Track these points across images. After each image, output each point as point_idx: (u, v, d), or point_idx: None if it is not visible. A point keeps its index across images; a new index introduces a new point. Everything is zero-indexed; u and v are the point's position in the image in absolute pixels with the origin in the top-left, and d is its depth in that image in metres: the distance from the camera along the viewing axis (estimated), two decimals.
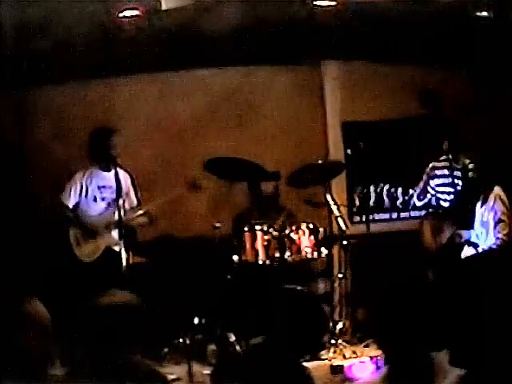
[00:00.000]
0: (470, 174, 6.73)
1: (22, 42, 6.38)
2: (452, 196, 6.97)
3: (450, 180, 6.99)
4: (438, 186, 7.13)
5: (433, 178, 7.14)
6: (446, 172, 7.06)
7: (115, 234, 6.62)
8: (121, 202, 6.59)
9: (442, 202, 7.05)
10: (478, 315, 2.85)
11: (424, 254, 6.89)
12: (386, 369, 2.93)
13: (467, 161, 6.79)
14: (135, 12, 6.38)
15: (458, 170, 6.93)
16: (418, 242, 7.10)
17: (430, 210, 7.25)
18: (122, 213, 6.56)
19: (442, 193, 7.04)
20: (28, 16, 5.96)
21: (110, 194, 6.73)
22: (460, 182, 6.91)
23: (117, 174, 6.62)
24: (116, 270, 6.43)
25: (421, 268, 6.64)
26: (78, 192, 6.75)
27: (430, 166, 7.18)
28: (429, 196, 7.21)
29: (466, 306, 2.91)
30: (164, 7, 6.28)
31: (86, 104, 7.95)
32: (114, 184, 6.63)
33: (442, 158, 7.11)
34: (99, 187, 6.78)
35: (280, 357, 3.04)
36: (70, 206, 6.74)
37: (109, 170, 6.75)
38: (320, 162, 7.08)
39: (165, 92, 8.19)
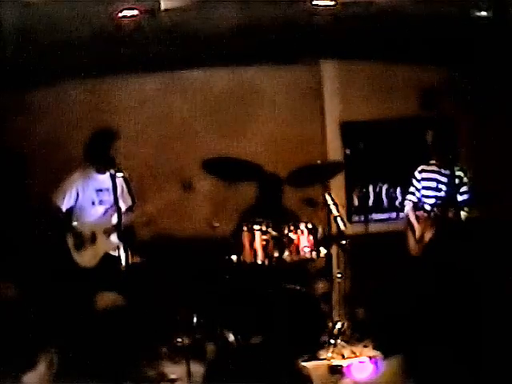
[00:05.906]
0: (456, 180, 6.75)
1: (22, 43, 6.39)
2: (436, 199, 6.93)
3: (435, 184, 6.95)
4: (424, 188, 7.08)
5: (420, 181, 7.08)
6: (433, 176, 7.00)
7: (114, 238, 6.56)
8: (119, 203, 6.52)
9: (426, 206, 7.01)
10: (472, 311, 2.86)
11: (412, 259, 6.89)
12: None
13: (455, 166, 6.81)
14: (134, 12, 6.38)
15: (444, 174, 6.89)
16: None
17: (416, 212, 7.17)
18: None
19: (428, 196, 7.00)
20: (28, 16, 5.96)
21: (108, 197, 6.59)
22: (445, 187, 6.86)
23: (113, 176, 6.41)
24: (114, 272, 6.41)
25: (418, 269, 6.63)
26: (74, 196, 6.65)
27: (419, 168, 7.12)
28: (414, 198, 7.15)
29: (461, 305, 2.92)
30: (163, 7, 6.28)
31: (85, 104, 7.97)
32: (110, 186, 6.43)
33: (431, 162, 7.07)
34: (97, 190, 6.69)
35: (279, 356, 3.05)
36: (64, 210, 6.63)
37: (104, 173, 6.59)
38: (319, 161, 7.09)
39: (164, 92, 8.20)
